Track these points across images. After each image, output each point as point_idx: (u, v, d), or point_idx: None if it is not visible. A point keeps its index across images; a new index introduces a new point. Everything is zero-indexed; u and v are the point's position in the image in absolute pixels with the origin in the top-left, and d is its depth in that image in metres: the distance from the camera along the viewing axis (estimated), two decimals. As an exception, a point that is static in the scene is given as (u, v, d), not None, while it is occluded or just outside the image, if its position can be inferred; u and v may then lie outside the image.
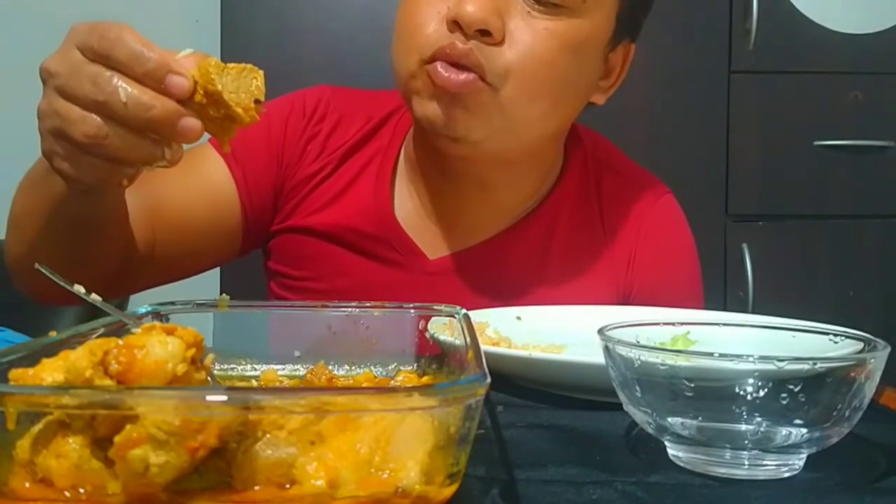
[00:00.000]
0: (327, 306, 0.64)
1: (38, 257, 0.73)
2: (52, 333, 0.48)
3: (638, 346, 0.49)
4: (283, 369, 0.61)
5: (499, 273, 0.97)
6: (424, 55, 0.83)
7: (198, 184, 0.94)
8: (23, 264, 0.79)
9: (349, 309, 0.63)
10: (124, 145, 0.58)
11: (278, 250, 1.01)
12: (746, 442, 0.46)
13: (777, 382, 0.44)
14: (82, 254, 0.76)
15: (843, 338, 0.54)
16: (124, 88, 0.56)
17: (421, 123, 0.87)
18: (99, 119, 0.57)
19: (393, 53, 0.88)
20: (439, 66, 0.82)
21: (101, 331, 0.50)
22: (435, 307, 0.62)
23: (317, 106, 1.01)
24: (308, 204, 0.98)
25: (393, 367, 0.62)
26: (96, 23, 0.58)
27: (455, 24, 0.81)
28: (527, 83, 0.83)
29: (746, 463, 0.47)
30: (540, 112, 0.86)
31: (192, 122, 0.57)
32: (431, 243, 0.98)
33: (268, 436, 0.38)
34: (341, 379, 0.60)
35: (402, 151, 1.00)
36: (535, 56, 0.82)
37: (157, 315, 0.58)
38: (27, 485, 0.38)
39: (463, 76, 0.81)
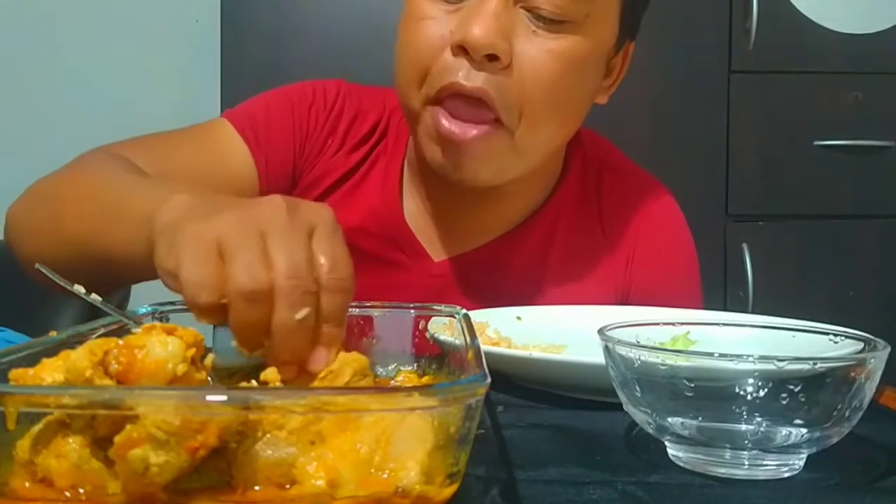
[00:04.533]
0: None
1: (69, 270, 0.70)
2: (52, 333, 0.48)
3: (638, 346, 0.49)
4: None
5: (500, 275, 0.97)
6: (429, 91, 0.82)
7: (219, 165, 0.92)
8: (43, 259, 0.78)
9: (349, 309, 0.63)
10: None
11: None
12: (746, 442, 0.46)
13: (777, 382, 0.44)
14: (110, 274, 0.75)
15: (843, 338, 0.54)
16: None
17: (430, 163, 0.87)
18: (212, 285, 0.47)
19: (396, 81, 0.87)
20: (443, 119, 0.81)
21: (101, 331, 0.50)
22: (435, 307, 0.62)
23: (336, 99, 1.00)
24: (323, 202, 0.98)
25: (393, 367, 0.62)
26: (336, 227, 0.52)
27: (460, 49, 0.79)
28: (538, 115, 0.83)
29: (746, 463, 0.47)
30: (548, 136, 0.87)
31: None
32: (435, 245, 0.98)
33: (268, 436, 0.38)
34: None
35: (406, 154, 1.00)
36: (542, 82, 0.81)
37: (157, 315, 0.58)
38: (27, 485, 0.38)
39: (472, 132, 0.81)
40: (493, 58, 0.79)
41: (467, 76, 0.79)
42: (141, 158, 0.84)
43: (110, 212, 0.69)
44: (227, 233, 0.48)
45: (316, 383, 0.48)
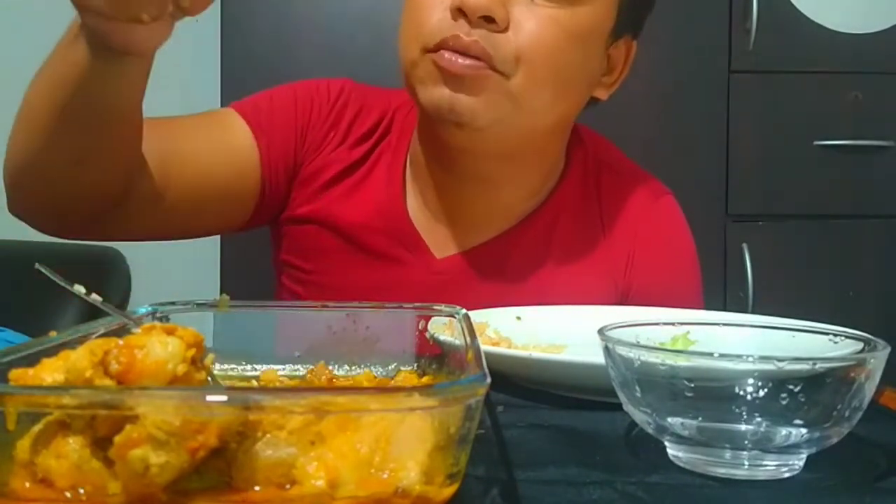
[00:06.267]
0: (327, 306, 0.64)
1: (46, 151, 0.75)
2: (52, 333, 0.48)
3: (638, 346, 0.49)
4: (283, 369, 0.61)
5: (501, 272, 0.98)
6: (428, 44, 0.84)
7: (222, 143, 0.94)
8: (27, 163, 0.79)
9: (349, 309, 0.63)
10: None
11: (291, 240, 1.02)
12: (746, 442, 0.46)
13: (777, 382, 0.44)
14: (93, 146, 0.77)
15: (843, 338, 0.54)
16: None
17: (426, 109, 0.88)
18: None
19: (398, 43, 0.89)
20: (445, 53, 0.83)
21: (101, 331, 0.50)
22: (435, 307, 0.62)
23: (340, 93, 1.02)
24: (325, 195, 0.99)
25: (393, 367, 0.62)
26: None
27: (459, 12, 0.81)
28: (536, 71, 0.84)
29: (746, 463, 0.46)
30: (545, 101, 0.87)
31: None
32: (436, 242, 0.98)
33: (268, 436, 0.38)
34: (341, 379, 0.60)
35: (409, 150, 1.01)
36: (541, 43, 0.83)
37: (157, 315, 0.58)
38: (27, 485, 0.38)
39: (469, 61, 0.82)
40: (489, 20, 0.81)
41: (466, 33, 0.82)
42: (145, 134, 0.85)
43: (48, 66, 0.76)
44: None
45: None
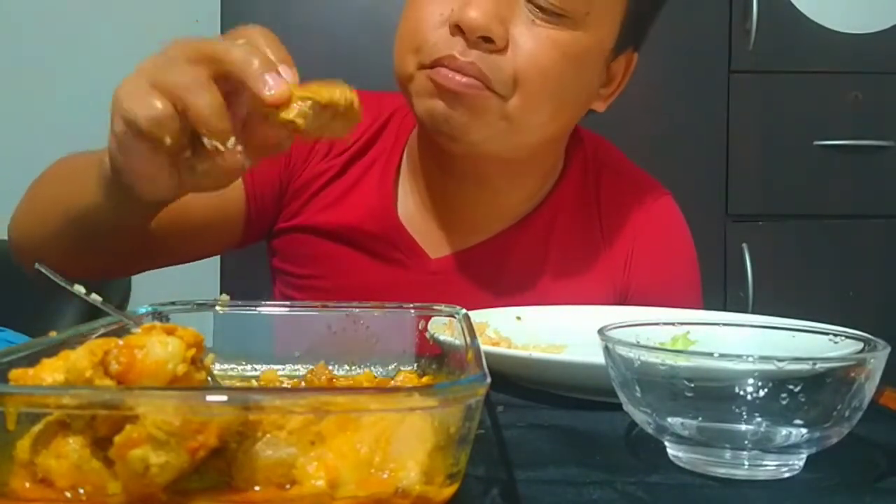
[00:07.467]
0: (327, 306, 0.64)
1: (55, 242, 0.77)
2: (52, 333, 0.48)
3: (638, 346, 0.49)
4: (283, 369, 0.61)
5: (499, 272, 0.97)
6: (424, 60, 0.83)
7: None
8: (33, 243, 0.81)
9: (349, 309, 0.63)
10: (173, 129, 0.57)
11: (284, 249, 1.02)
12: (746, 442, 0.46)
13: (777, 382, 0.44)
14: (103, 249, 0.78)
15: (843, 338, 0.54)
16: (204, 97, 0.57)
17: (422, 120, 0.87)
18: (166, 107, 0.57)
19: (394, 54, 0.88)
20: (441, 69, 0.82)
21: (101, 331, 0.50)
22: (435, 307, 0.62)
23: None
24: (314, 203, 0.99)
25: (393, 367, 0.62)
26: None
27: (457, 29, 0.80)
28: (533, 94, 0.83)
29: (746, 463, 0.46)
30: (541, 120, 0.87)
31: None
32: (433, 243, 0.98)
33: (268, 436, 0.38)
34: (341, 379, 0.60)
35: (405, 151, 1.01)
36: (538, 65, 0.82)
37: (157, 315, 0.58)
38: (27, 485, 0.38)
39: (466, 79, 0.81)
40: (488, 40, 0.80)
41: (462, 52, 0.81)
42: None
43: (74, 172, 0.76)
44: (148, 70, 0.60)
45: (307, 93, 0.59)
